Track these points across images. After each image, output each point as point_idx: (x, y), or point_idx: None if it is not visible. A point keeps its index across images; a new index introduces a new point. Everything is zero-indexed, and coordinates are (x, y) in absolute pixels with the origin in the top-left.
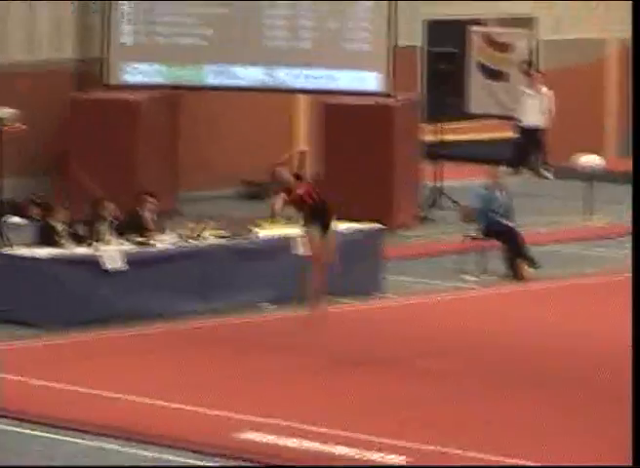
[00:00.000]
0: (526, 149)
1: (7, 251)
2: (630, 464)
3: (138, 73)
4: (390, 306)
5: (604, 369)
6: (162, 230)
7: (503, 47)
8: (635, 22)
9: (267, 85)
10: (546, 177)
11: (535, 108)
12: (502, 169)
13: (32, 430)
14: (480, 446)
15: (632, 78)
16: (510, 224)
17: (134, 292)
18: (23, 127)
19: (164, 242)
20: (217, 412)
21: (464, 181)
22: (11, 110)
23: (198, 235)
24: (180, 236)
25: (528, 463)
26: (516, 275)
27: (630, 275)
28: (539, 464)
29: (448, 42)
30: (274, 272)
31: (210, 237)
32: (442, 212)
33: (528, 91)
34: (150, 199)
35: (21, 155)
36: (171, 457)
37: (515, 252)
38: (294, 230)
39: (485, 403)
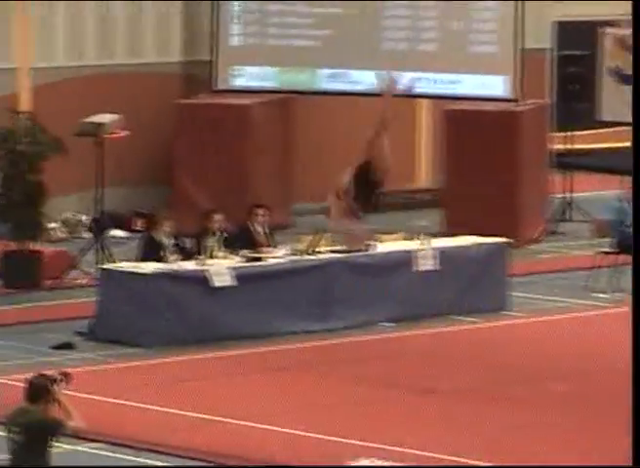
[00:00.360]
0: None
1: (109, 266)
2: (630, 464)
3: (247, 77)
4: (515, 324)
5: None
6: (274, 244)
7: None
8: (635, 22)
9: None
10: None
11: None
12: None
13: (133, 455)
14: None
15: (632, 77)
16: None
17: (243, 311)
18: (126, 134)
19: (276, 257)
20: (328, 438)
21: (595, 193)
22: (113, 116)
23: (313, 250)
24: (294, 251)
25: None
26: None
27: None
28: (538, 464)
29: (578, 44)
30: (394, 289)
31: (325, 252)
32: (572, 225)
33: None
34: (262, 211)
35: (124, 164)
36: None
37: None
38: (414, 245)
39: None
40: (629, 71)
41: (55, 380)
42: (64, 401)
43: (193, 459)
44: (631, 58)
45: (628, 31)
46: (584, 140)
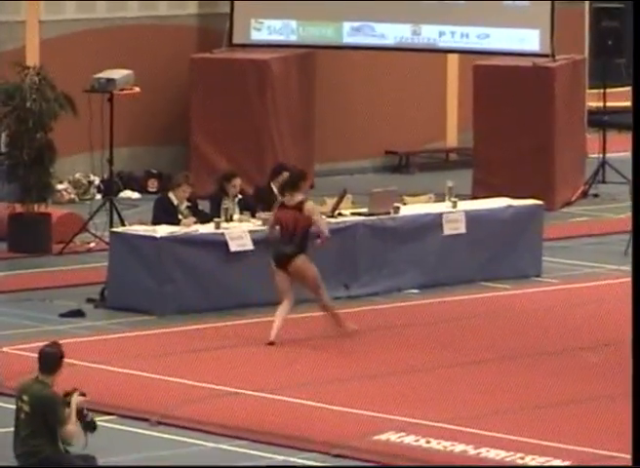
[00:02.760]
0: None
1: (120, 229)
2: (630, 464)
3: (267, 30)
4: (548, 291)
5: None
6: None
7: None
8: (635, 22)
9: (414, 44)
10: None
11: None
12: None
13: (145, 429)
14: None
15: (632, 77)
16: None
17: (261, 276)
18: (138, 90)
19: None
20: (353, 411)
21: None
22: (125, 71)
23: (336, 212)
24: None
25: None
26: None
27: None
28: (538, 464)
29: None
30: (421, 254)
31: (348, 214)
32: (607, 187)
33: None
34: (282, 173)
35: (137, 122)
36: (300, 461)
37: None
38: (441, 207)
39: None
40: None
41: (70, 394)
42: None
43: (206, 432)
44: None
45: None
46: (619, 98)
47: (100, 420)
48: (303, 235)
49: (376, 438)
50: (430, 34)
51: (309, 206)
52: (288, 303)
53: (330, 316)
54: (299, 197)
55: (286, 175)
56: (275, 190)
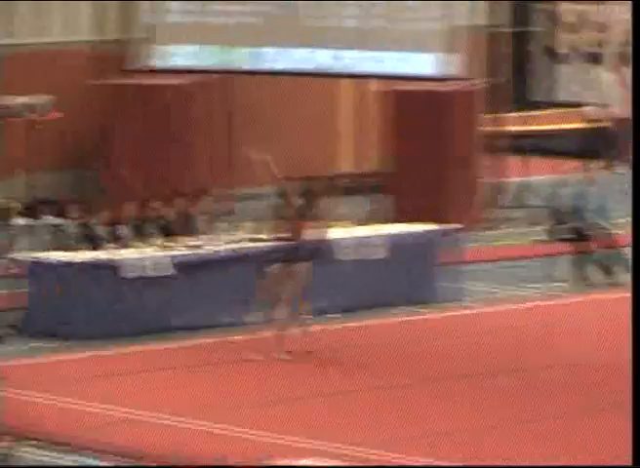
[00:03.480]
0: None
1: (39, 256)
2: (630, 464)
3: (185, 56)
4: (447, 316)
5: None
6: (215, 232)
7: (573, 27)
8: (635, 22)
9: (333, 69)
10: (619, 173)
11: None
12: (595, 163)
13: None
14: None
15: (632, 77)
16: (605, 224)
17: (181, 301)
18: (58, 115)
19: (216, 245)
20: (257, 435)
21: (527, 178)
22: (45, 97)
23: (255, 237)
24: (235, 238)
25: None
26: (610, 279)
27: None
28: (537, 464)
29: (514, 21)
30: (340, 278)
31: (267, 239)
32: (503, 211)
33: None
34: (203, 197)
35: (55, 147)
36: None
37: (610, 254)
38: (362, 232)
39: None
40: (563, 50)
41: None
42: None
43: (115, 457)
44: (564, 35)
45: (561, 6)
46: (519, 122)
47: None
48: (314, 243)
49: (279, 463)
50: (349, 59)
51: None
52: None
53: (277, 336)
54: (314, 208)
55: (207, 198)
56: (195, 214)
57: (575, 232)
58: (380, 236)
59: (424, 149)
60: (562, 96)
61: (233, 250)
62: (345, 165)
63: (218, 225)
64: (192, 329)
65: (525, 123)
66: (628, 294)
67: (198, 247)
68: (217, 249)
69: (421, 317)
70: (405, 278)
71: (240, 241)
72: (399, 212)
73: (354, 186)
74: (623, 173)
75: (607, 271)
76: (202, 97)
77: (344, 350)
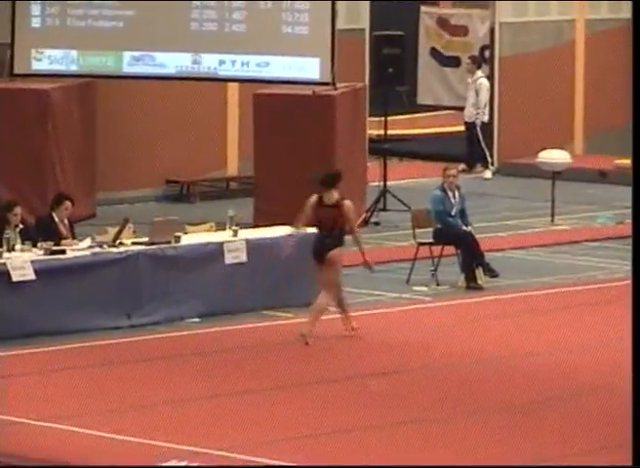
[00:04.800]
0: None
1: None
2: (630, 464)
3: (48, 60)
4: (333, 319)
5: (570, 383)
6: (77, 237)
7: (458, 30)
8: (635, 22)
9: (195, 73)
10: (485, 177)
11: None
12: (459, 167)
13: None
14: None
15: (632, 77)
16: (467, 229)
17: (45, 306)
18: None
19: (79, 249)
20: (137, 440)
21: (412, 181)
22: None
23: (117, 242)
24: (97, 243)
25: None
26: (471, 284)
27: (631, 280)
28: (537, 464)
29: (397, 24)
30: (202, 283)
31: (130, 244)
32: (388, 214)
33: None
34: (64, 202)
35: None
36: None
37: (472, 259)
38: (223, 236)
39: (442, 426)
40: (449, 52)
41: None
42: None
43: None
44: (451, 38)
45: (448, 10)
46: (400, 126)
47: None
48: (341, 230)
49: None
50: (211, 63)
51: (347, 204)
52: (327, 297)
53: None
54: (335, 195)
55: (68, 203)
56: (56, 219)
57: (435, 236)
58: (240, 241)
59: (295, 152)
60: (447, 99)
61: (94, 254)
62: (232, 168)
63: (80, 230)
64: (51, 334)
65: (406, 126)
66: (486, 298)
67: (60, 252)
68: (78, 254)
69: (275, 322)
70: (265, 282)
71: (102, 245)
72: (265, 215)
73: (243, 188)
74: (487, 177)
75: (467, 276)
76: (63, 102)
77: (192, 356)
